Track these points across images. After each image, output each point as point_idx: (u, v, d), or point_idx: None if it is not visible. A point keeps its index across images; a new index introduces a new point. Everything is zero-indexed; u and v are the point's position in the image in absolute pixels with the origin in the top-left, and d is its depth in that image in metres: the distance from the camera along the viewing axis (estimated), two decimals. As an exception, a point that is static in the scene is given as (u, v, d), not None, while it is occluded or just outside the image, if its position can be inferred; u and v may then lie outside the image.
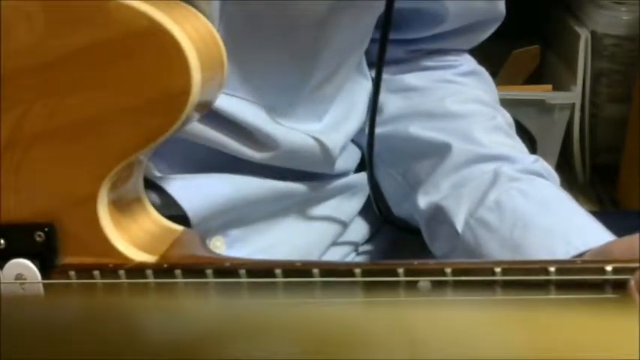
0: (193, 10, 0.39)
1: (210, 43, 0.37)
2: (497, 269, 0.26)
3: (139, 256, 0.39)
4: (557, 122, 1.34)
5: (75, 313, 0.18)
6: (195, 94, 0.33)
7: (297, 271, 0.32)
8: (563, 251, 0.43)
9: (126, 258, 0.39)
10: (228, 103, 0.46)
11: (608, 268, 0.23)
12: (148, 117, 0.34)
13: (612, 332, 0.16)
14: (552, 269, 0.25)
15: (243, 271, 0.33)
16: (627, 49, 1.30)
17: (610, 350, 0.16)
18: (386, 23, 0.48)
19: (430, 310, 0.18)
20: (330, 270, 0.31)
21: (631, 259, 0.26)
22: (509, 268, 0.26)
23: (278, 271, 0.32)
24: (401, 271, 0.28)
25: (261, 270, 0.33)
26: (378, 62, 0.50)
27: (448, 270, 0.26)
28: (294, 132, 0.51)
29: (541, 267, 0.25)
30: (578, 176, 1.39)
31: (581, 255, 0.43)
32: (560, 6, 1.40)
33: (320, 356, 0.16)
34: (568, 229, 0.45)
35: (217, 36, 0.39)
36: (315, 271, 0.31)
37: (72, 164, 0.37)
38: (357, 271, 0.30)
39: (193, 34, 0.34)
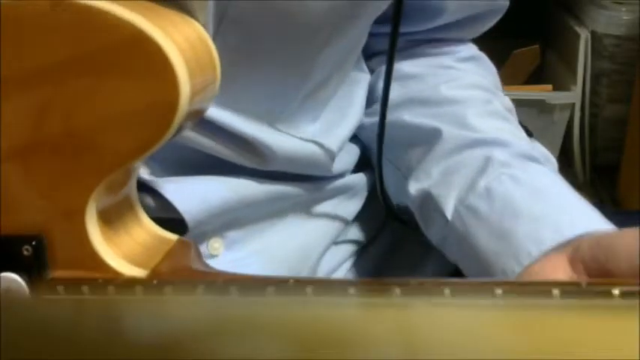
0: (185, 15, 0.38)
1: (200, 51, 0.36)
2: (499, 291, 0.25)
3: (129, 270, 0.38)
4: (557, 122, 1.34)
5: (59, 313, 0.17)
6: (184, 106, 0.32)
7: (289, 289, 0.31)
8: (551, 238, 0.42)
9: (116, 272, 0.38)
10: (219, 112, 0.45)
11: (616, 291, 0.22)
12: (135, 130, 0.33)
13: (612, 333, 0.16)
14: (556, 292, 0.24)
15: (234, 288, 0.32)
16: (627, 49, 1.30)
17: (609, 351, 0.16)
18: (394, 30, 0.47)
19: (429, 310, 0.17)
20: (324, 288, 0.30)
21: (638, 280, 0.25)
22: (511, 290, 0.25)
23: (270, 289, 0.31)
24: (397, 291, 0.27)
25: (252, 287, 0.32)
26: (387, 64, 0.49)
27: (447, 291, 0.25)
28: (289, 137, 0.50)
29: (545, 289, 0.24)
30: (578, 176, 1.39)
31: (569, 243, 0.41)
32: (560, 6, 1.40)
33: (313, 356, 0.15)
34: (558, 216, 0.44)
35: (209, 41, 0.37)
36: (309, 288, 0.30)
37: (58, 176, 0.36)
38: (352, 290, 0.29)
39: (182, 43, 0.33)
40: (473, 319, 0.16)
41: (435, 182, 0.50)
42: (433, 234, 0.51)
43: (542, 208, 0.45)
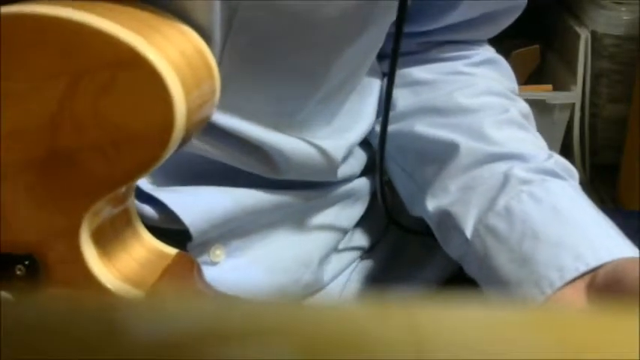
0: (181, 26, 0.36)
1: (197, 64, 0.35)
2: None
3: (125, 291, 0.37)
4: (557, 122, 1.33)
5: (54, 313, 0.16)
6: (180, 126, 0.31)
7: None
8: (572, 267, 0.42)
9: (111, 293, 0.37)
10: (228, 117, 0.44)
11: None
12: (131, 150, 0.31)
13: (612, 332, 0.16)
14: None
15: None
16: (627, 49, 1.29)
17: (609, 351, 0.15)
18: (398, 30, 0.46)
19: (439, 310, 0.17)
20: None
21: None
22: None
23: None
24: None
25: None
26: (391, 65, 0.48)
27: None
28: (299, 141, 0.49)
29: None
30: (579, 176, 1.38)
31: (592, 271, 0.41)
32: (560, 6, 1.39)
33: (318, 357, 0.15)
34: (579, 241, 0.43)
35: (207, 52, 0.36)
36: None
37: (52, 197, 0.35)
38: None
39: (177, 58, 0.32)
40: (486, 320, 0.16)
41: (454, 199, 0.49)
42: (452, 250, 0.51)
43: (563, 232, 0.44)
